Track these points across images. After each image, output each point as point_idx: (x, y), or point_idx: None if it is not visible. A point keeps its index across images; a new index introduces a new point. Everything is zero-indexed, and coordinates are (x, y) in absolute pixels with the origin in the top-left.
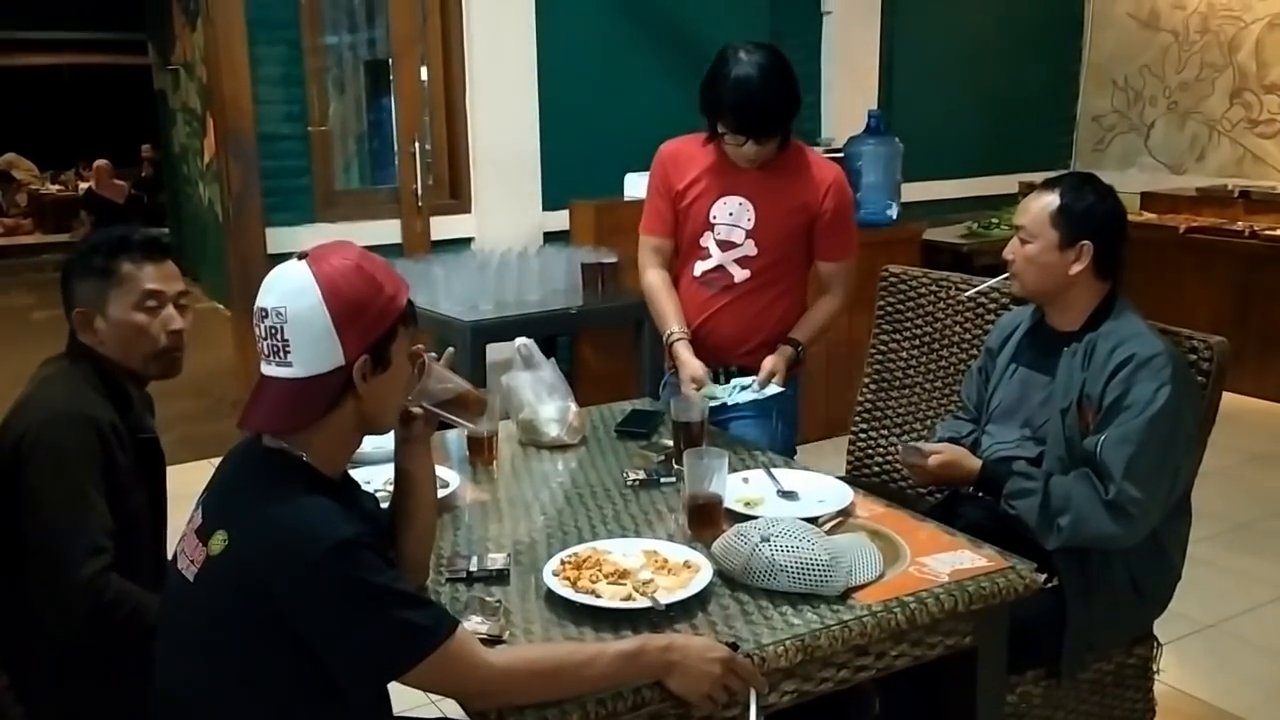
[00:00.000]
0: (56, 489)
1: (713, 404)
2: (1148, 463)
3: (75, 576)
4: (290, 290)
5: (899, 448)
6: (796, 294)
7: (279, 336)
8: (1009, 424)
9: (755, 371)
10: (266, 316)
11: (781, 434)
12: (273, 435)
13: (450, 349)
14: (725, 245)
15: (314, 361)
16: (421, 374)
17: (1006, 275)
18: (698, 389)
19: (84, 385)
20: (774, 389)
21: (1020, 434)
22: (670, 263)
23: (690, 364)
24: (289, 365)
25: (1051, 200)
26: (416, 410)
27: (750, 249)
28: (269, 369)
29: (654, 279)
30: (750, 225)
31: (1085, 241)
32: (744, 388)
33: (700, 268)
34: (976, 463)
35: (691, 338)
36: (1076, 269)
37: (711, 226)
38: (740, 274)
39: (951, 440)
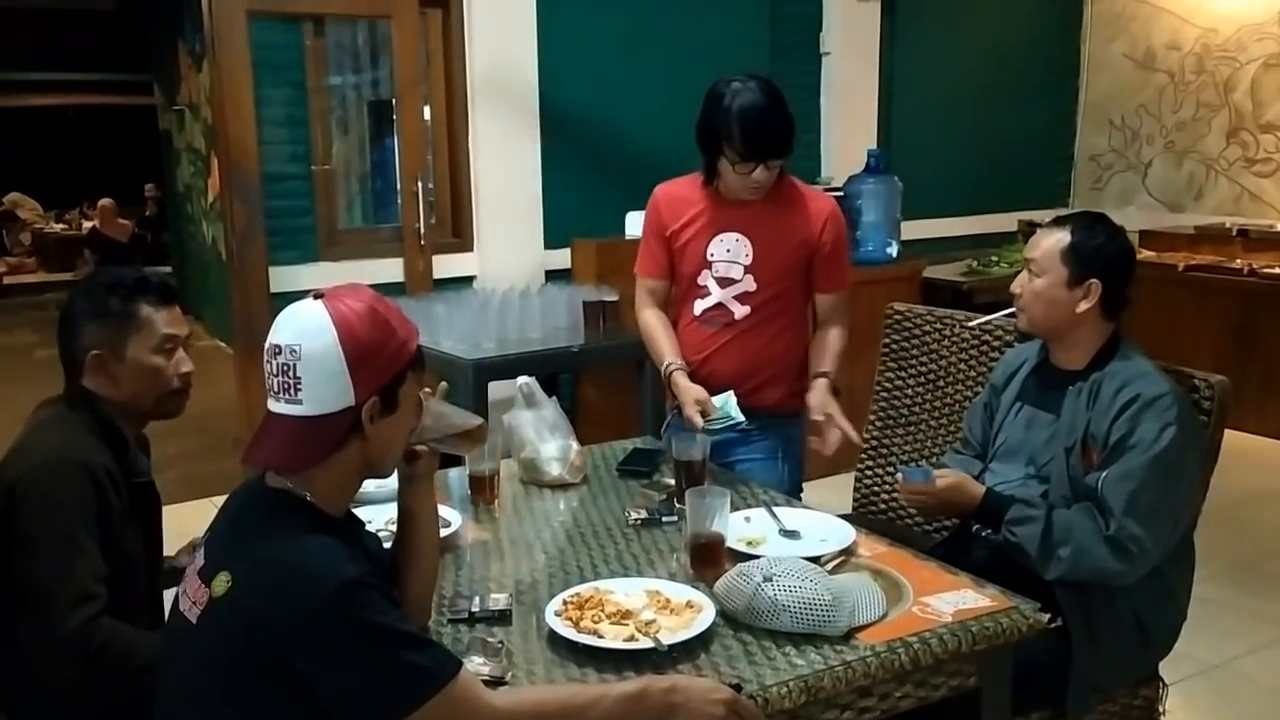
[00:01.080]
0: (48, 535)
1: (719, 425)
2: (1149, 501)
3: (64, 625)
4: (305, 329)
5: (899, 474)
6: (798, 329)
7: (291, 374)
8: (1013, 462)
9: (755, 408)
10: (279, 353)
11: (789, 474)
12: (276, 473)
13: (443, 384)
14: (724, 282)
15: (324, 401)
16: (419, 414)
17: (1011, 310)
18: (702, 412)
19: (80, 429)
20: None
21: (1025, 472)
22: (667, 303)
23: (690, 389)
24: (299, 403)
25: (1063, 237)
26: (420, 448)
27: (750, 284)
28: (277, 405)
29: (649, 317)
30: (749, 260)
31: (1094, 280)
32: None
33: (700, 306)
34: (980, 489)
35: (693, 377)
36: (1084, 306)
37: (709, 264)
38: (740, 310)
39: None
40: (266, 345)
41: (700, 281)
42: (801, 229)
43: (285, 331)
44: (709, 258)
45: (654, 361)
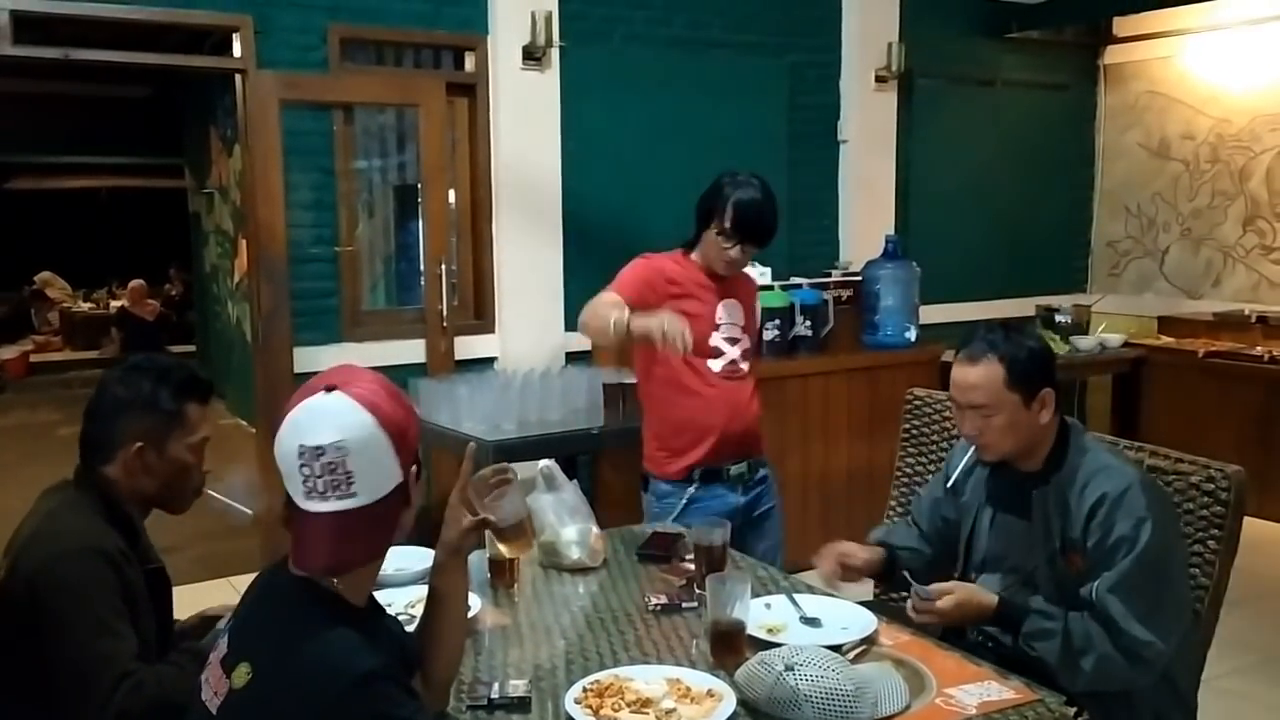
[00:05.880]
0: (81, 623)
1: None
2: (1148, 603)
3: (108, 707)
4: (343, 423)
5: (911, 599)
6: None
7: (341, 470)
8: (997, 571)
9: (758, 454)
10: (323, 454)
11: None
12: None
13: (471, 445)
14: (732, 341)
15: (379, 485)
16: (508, 489)
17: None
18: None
19: (92, 515)
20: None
21: (1009, 579)
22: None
23: (657, 317)
24: (352, 496)
25: (995, 369)
26: (468, 521)
27: (746, 340)
28: (326, 505)
29: (610, 297)
30: (743, 321)
31: (1045, 389)
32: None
33: (717, 365)
34: (992, 599)
35: (727, 435)
36: (1045, 417)
37: (718, 326)
38: (744, 365)
39: (912, 550)
40: (297, 450)
41: (711, 343)
42: (753, 294)
43: (320, 431)
44: (718, 321)
45: (597, 324)
